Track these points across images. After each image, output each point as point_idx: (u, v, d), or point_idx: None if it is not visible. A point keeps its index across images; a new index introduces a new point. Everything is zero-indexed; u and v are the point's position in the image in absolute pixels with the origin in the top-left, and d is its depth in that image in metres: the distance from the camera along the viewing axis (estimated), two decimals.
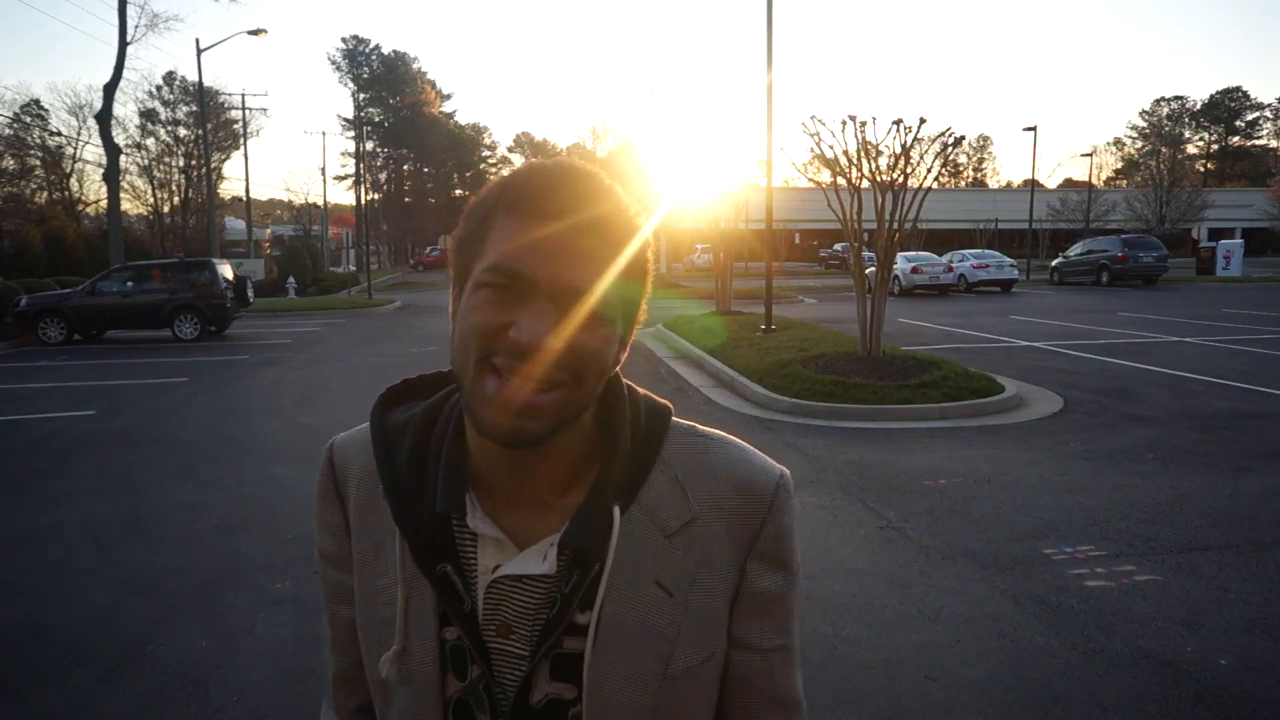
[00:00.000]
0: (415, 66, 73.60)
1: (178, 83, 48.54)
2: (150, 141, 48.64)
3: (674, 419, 0.89)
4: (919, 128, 9.83)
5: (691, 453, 0.87)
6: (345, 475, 0.90)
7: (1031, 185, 40.26)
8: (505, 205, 0.77)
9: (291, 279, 31.36)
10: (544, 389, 0.74)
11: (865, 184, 10.25)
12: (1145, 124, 78.63)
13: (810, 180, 13.39)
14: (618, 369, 0.83)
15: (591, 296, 0.75)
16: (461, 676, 0.84)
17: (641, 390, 0.90)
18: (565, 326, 0.74)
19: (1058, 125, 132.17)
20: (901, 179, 9.96)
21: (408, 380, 0.94)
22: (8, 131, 40.53)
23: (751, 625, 0.86)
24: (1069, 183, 68.61)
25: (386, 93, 70.86)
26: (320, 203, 62.82)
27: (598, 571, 0.80)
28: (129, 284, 17.63)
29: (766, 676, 0.87)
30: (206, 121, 37.52)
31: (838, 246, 42.68)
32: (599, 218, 0.76)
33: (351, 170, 64.42)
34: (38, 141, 43.20)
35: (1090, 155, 53.70)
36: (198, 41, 32.06)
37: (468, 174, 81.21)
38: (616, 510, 0.81)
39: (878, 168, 10.10)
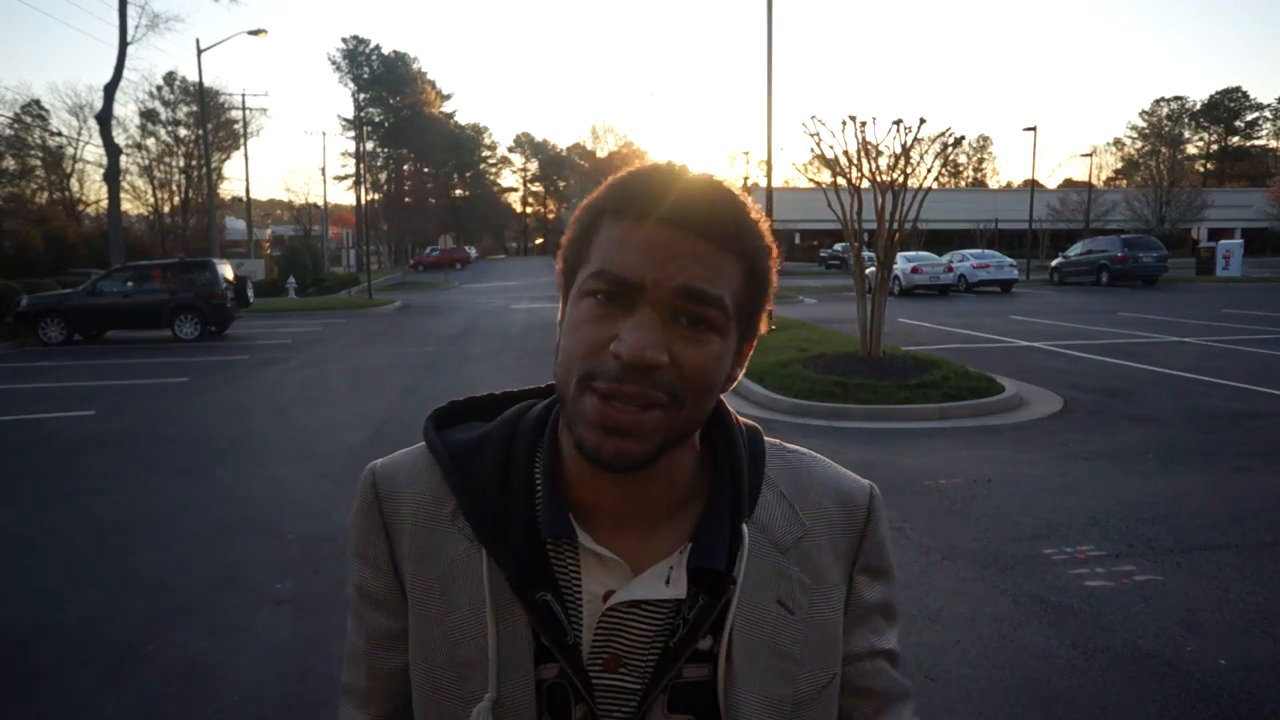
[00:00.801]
0: (415, 66, 73.64)
1: (178, 83, 48.53)
2: (150, 142, 48.64)
3: (765, 437, 0.88)
4: (919, 128, 9.83)
5: (791, 469, 0.86)
6: (395, 503, 0.81)
7: (1031, 185, 40.27)
8: (613, 207, 0.73)
9: (292, 279, 31.36)
10: (645, 407, 0.69)
11: (865, 184, 10.25)
12: (1145, 124, 78.63)
13: (810, 180, 13.39)
14: (731, 386, 0.78)
15: (702, 304, 0.70)
16: (561, 718, 0.76)
17: (729, 406, 0.86)
18: (672, 338, 0.69)
19: (1058, 125, 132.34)
20: (901, 179, 9.95)
21: (456, 402, 0.89)
22: (8, 132, 40.54)
23: (863, 635, 0.84)
24: (1069, 183, 68.60)
25: (386, 93, 70.87)
26: (320, 203, 62.87)
27: (726, 593, 0.76)
28: (129, 284, 17.64)
29: (885, 678, 0.85)
30: (207, 121, 37.54)
31: (838, 246, 42.66)
32: (713, 220, 0.71)
33: (351, 170, 64.43)
34: (38, 142, 43.20)
35: (1090, 155, 53.81)
36: (198, 41, 32.11)
37: (468, 174, 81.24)
38: (746, 527, 0.78)
39: (878, 168, 10.10)
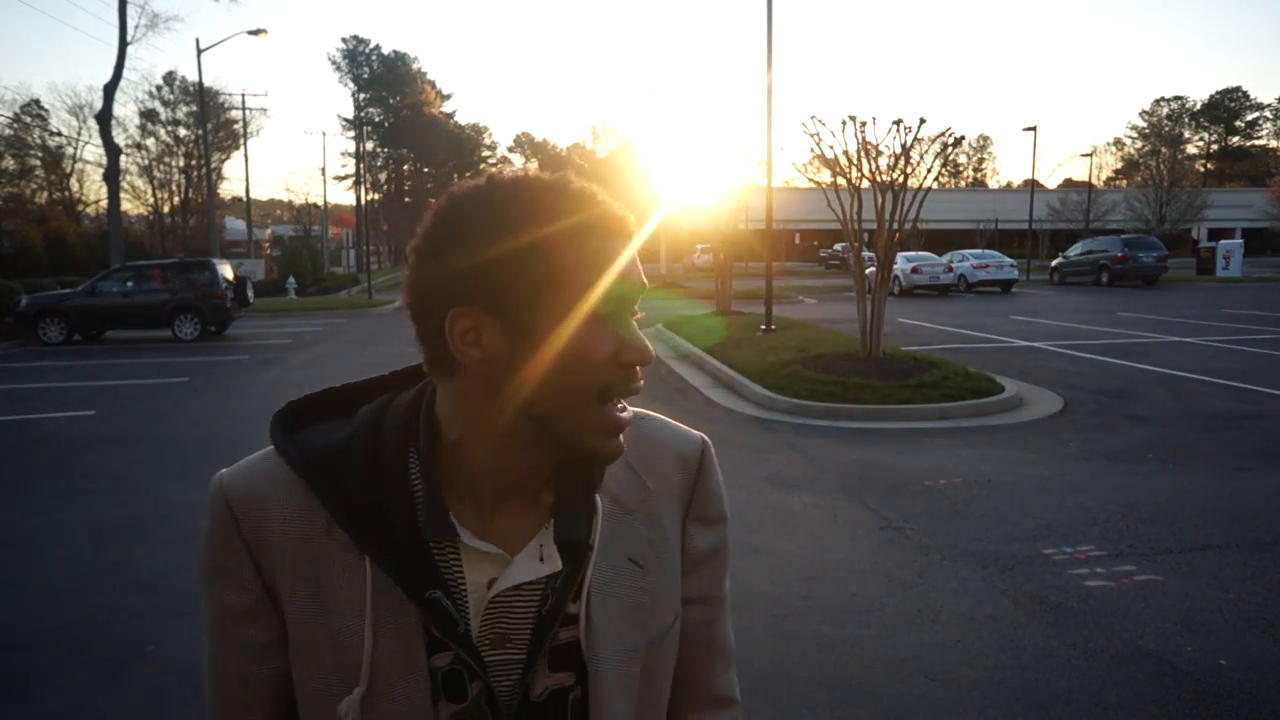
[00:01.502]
0: (415, 66, 73.64)
1: (178, 83, 48.59)
2: (150, 141, 48.72)
3: None
4: (919, 128, 9.84)
5: (631, 433, 0.88)
6: (257, 518, 0.80)
7: (1031, 185, 40.29)
8: (572, 228, 0.74)
9: (292, 279, 31.39)
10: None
11: (865, 184, 10.25)
12: (1145, 124, 78.65)
13: (810, 180, 13.40)
14: None
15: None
16: (459, 698, 0.80)
17: None
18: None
19: (1058, 125, 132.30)
20: (901, 179, 9.96)
21: (296, 402, 0.88)
22: (8, 131, 40.58)
23: (694, 581, 0.92)
24: (1069, 183, 68.60)
25: (386, 93, 70.89)
26: (320, 203, 62.89)
27: (586, 560, 0.83)
28: (129, 284, 17.65)
29: (708, 626, 0.94)
30: (206, 121, 37.55)
31: (838, 246, 42.67)
32: (634, 223, 0.80)
33: (351, 170, 64.46)
34: (38, 141, 43.24)
35: (1090, 155, 53.79)
36: (198, 41, 32.10)
37: (468, 174, 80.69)
38: (599, 499, 0.84)
39: (878, 168, 10.10)
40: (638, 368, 0.77)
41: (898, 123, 9.81)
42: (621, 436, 0.78)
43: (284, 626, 0.81)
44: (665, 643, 0.88)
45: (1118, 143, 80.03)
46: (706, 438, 0.96)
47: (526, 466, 0.81)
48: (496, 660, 0.80)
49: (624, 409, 0.78)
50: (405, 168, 73.83)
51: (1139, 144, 76.73)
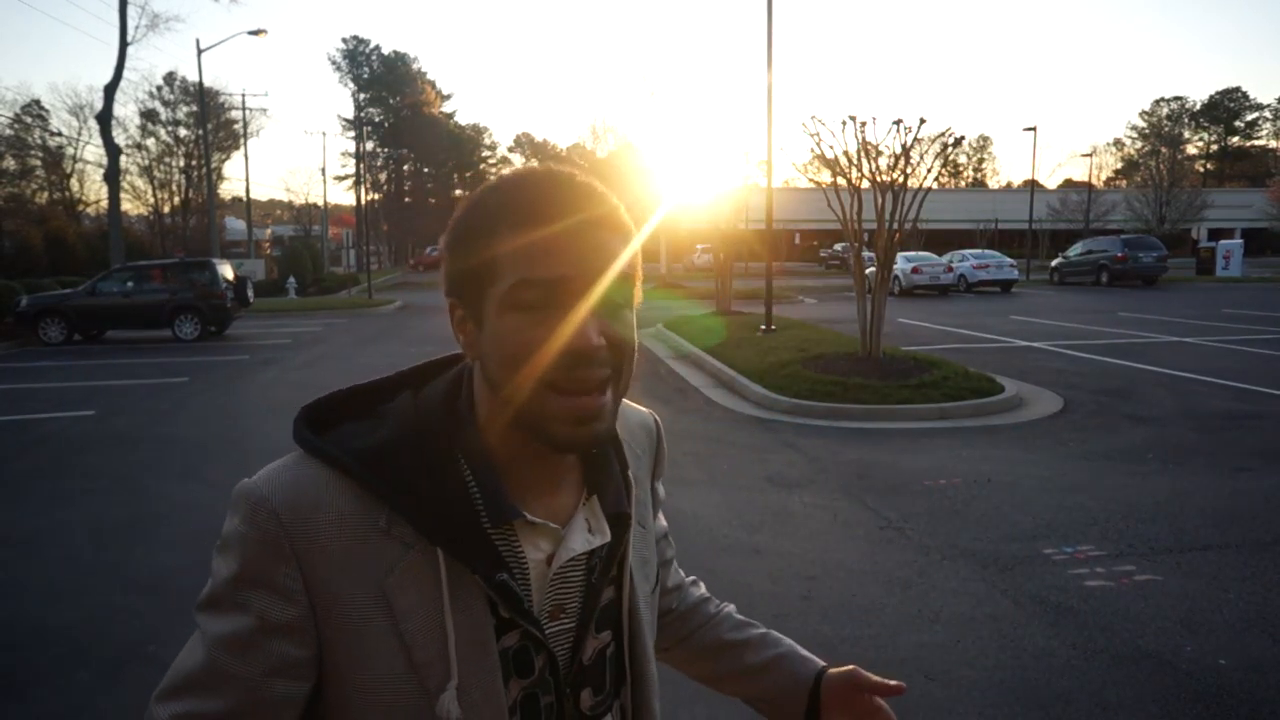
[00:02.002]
0: (415, 66, 73.57)
1: (178, 83, 48.55)
2: (150, 142, 48.67)
3: None
4: (919, 128, 9.84)
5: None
6: (307, 526, 0.77)
7: (1031, 185, 40.28)
8: (510, 220, 0.76)
9: (292, 279, 31.37)
10: (601, 389, 0.78)
11: (865, 184, 10.25)
12: (1145, 124, 78.62)
13: (810, 180, 13.40)
14: None
15: (616, 285, 0.78)
16: (527, 674, 0.83)
17: None
18: (604, 323, 0.77)
19: (1058, 125, 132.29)
20: (901, 179, 9.96)
21: (316, 406, 0.88)
22: (9, 132, 40.56)
23: (660, 526, 1.09)
24: (1069, 183, 68.59)
25: (386, 93, 70.83)
26: (320, 203, 62.88)
27: (627, 529, 0.91)
28: (129, 284, 17.64)
29: (668, 549, 1.14)
30: (207, 122, 37.54)
31: (838, 247, 42.66)
32: (601, 211, 0.78)
33: (351, 170, 64.44)
34: (38, 142, 43.21)
35: (1090, 155, 53.95)
36: (198, 42, 32.12)
37: (468, 174, 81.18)
38: (630, 474, 0.93)
39: (878, 168, 10.11)
40: (580, 356, 0.75)
41: (898, 123, 9.82)
42: (593, 424, 0.78)
43: (319, 644, 0.78)
44: (658, 589, 1.01)
45: (1118, 143, 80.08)
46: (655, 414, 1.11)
47: (534, 449, 0.82)
48: (555, 631, 0.85)
49: (596, 395, 0.77)
50: (405, 168, 73.76)
51: (1139, 144, 76.72)
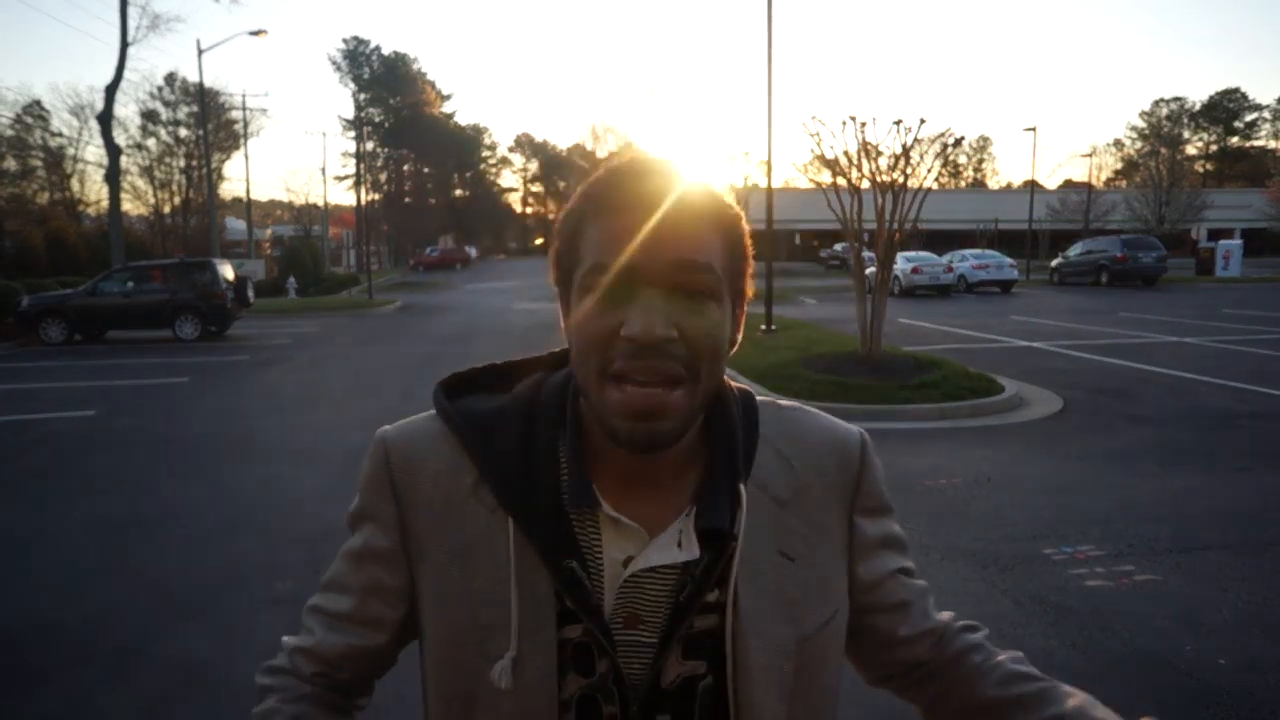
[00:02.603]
0: (415, 67, 73.67)
1: (178, 83, 48.52)
2: (151, 142, 48.63)
3: (759, 397, 0.94)
4: (919, 128, 9.84)
5: (784, 426, 0.91)
6: (411, 471, 0.84)
7: (1031, 186, 40.30)
8: (592, 208, 0.77)
9: (292, 279, 31.38)
10: (668, 386, 0.74)
11: (865, 184, 10.25)
12: (1144, 124, 78.63)
13: (810, 180, 13.40)
14: (733, 351, 0.83)
15: (695, 273, 0.75)
16: (587, 673, 0.81)
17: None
18: (675, 312, 0.74)
19: (1058, 125, 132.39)
20: (901, 179, 9.96)
21: (460, 373, 0.92)
22: (9, 132, 40.52)
23: (876, 564, 0.92)
24: (1069, 183, 68.56)
25: (386, 93, 70.89)
26: (320, 203, 62.85)
27: (729, 550, 0.82)
28: (130, 284, 17.64)
29: (906, 589, 0.94)
30: (207, 122, 37.53)
31: (838, 247, 42.65)
32: (685, 197, 0.76)
33: (352, 170, 64.44)
34: (39, 142, 43.18)
35: (1090, 156, 54.09)
36: (198, 42, 32.17)
37: (468, 174, 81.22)
38: (743, 487, 0.84)
39: (878, 168, 10.10)
40: (641, 344, 0.73)
41: (898, 123, 9.81)
42: (655, 421, 0.74)
43: (411, 579, 0.85)
44: (821, 640, 0.86)
45: (1117, 143, 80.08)
46: (864, 431, 0.96)
47: (638, 458, 0.80)
48: (627, 640, 0.81)
49: (661, 389, 0.74)
50: (405, 168, 73.78)
51: (1138, 144, 76.72)
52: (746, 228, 0.82)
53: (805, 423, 0.93)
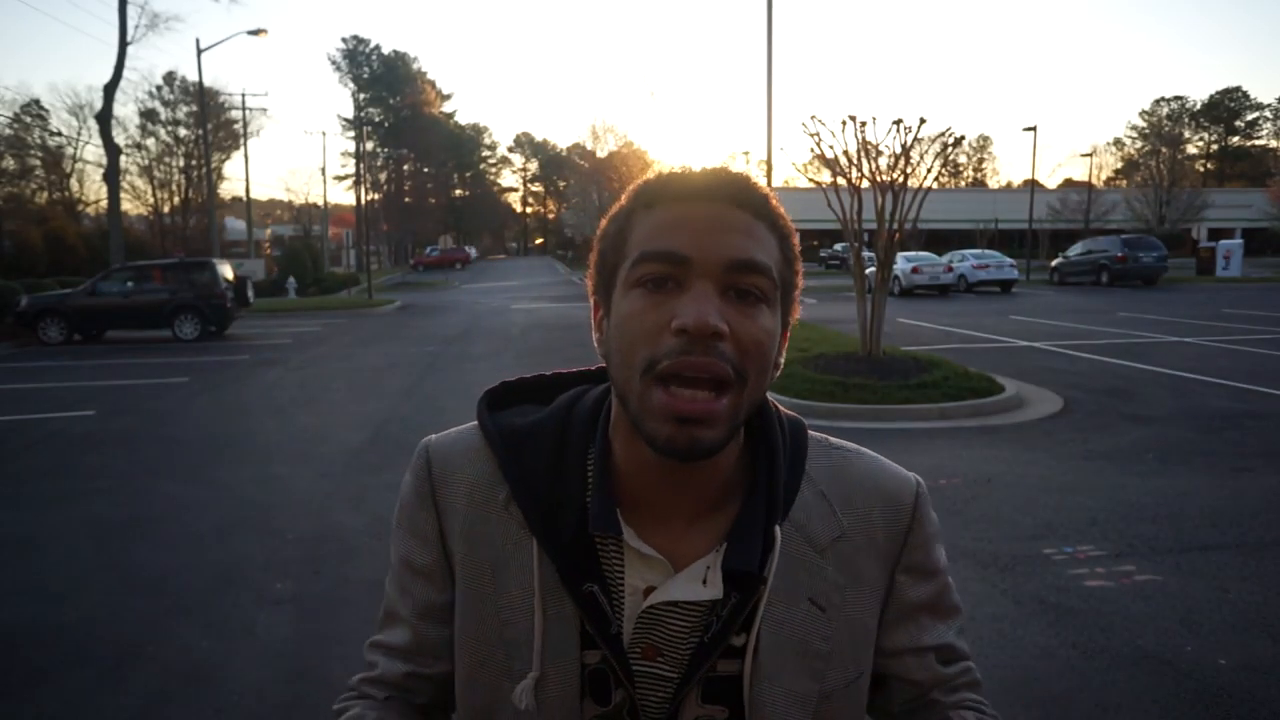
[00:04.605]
0: (415, 66, 73.62)
1: (178, 83, 48.53)
2: (150, 141, 48.66)
3: (809, 431, 0.88)
4: (919, 128, 9.83)
5: (834, 467, 0.86)
6: (449, 484, 0.83)
7: (1031, 185, 40.23)
8: (644, 201, 0.75)
9: (292, 279, 31.35)
10: (714, 390, 0.70)
11: (865, 184, 10.25)
12: (1145, 124, 78.62)
13: (810, 180, 13.38)
14: (778, 373, 0.77)
15: (751, 273, 0.71)
16: (602, 701, 0.79)
17: (772, 399, 0.86)
18: (727, 308, 0.70)
19: (1058, 125, 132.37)
20: (901, 179, 9.95)
21: (508, 382, 0.90)
22: (8, 131, 40.55)
23: (907, 631, 0.86)
24: (1069, 183, 68.62)
25: (386, 93, 70.84)
26: (320, 203, 62.80)
27: (757, 594, 0.78)
28: (129, 284, 17.64)
29: (927, 671, 0.87)
30: (206, 121, 37.51)
31: (838, 247, 42.66)
32: (745, 191, 0.73)
33: (351, 170, 64.42)
34: (38, 141, 43.22)
35: (1090, 155, 53.74)
36: (198, 42, 32.06)
37: (468, 174, 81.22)
38: (778, 530, 0.78)
39: (878, 168, 10.10)
40: (692, 334, 0.68)
41: (898, 123, 9.80)
42: (697, 428, 0.70)
43: (454, 592, 0.83)
44: (843, 700, 0.81)
45: (1118, 143, 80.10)
46: (921, 480, 0.90)
47: (655, 466, 0.76)
48: (645, 672, 0.79)
49: (706, 394, 0.69)
50: (405, 168, 73.75)
51: (1139, 144, 76.68)
52: (796, 240, 0.79)
53: (856, 465, 0.87)
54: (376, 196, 63.97)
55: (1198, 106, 78.31)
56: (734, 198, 0.72)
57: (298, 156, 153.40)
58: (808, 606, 0.79)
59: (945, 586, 0.88)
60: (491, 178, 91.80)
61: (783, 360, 0.78)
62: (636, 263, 0.72)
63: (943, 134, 10.34)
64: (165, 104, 49.01)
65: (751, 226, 0.72)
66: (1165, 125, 76.76)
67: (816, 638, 0.79)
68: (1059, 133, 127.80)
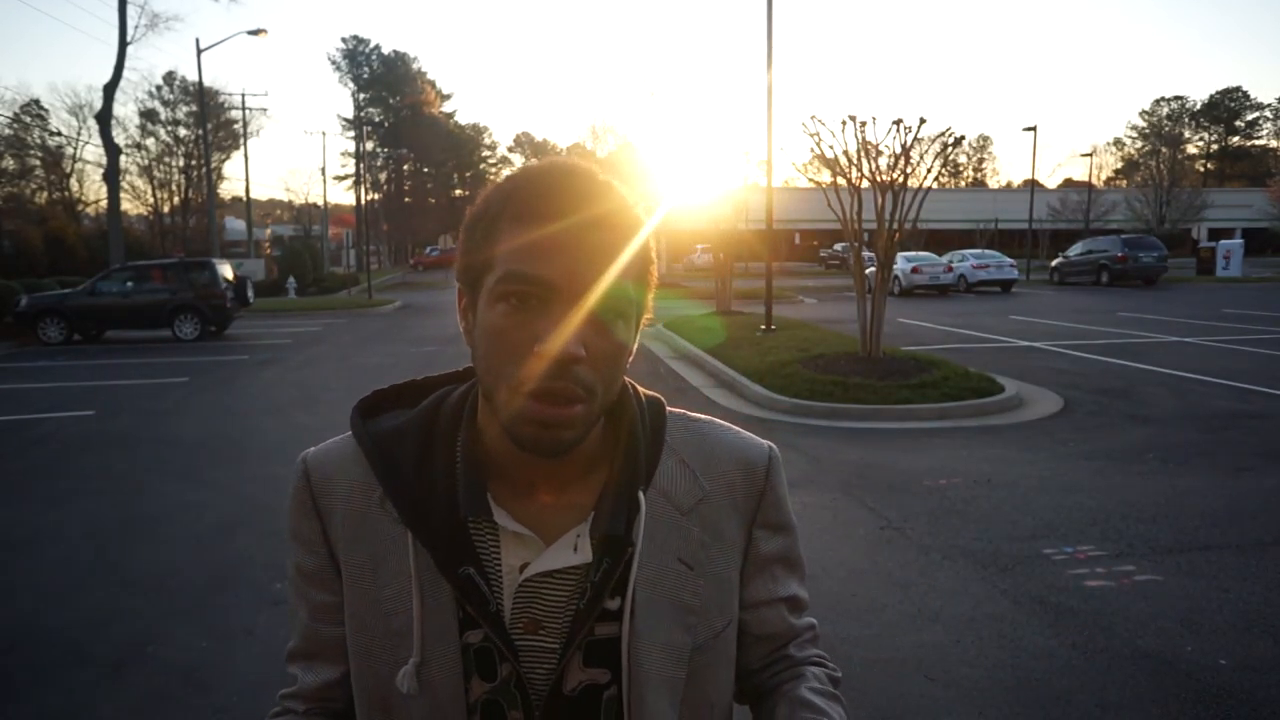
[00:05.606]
0: (415, 66, 73.58)
1: (178, 83, 48.55)
2: (150, 141, 48.67)
3: (668, 408, 0.95)
4: (919, 128, 9.83)
5: (692, 437, 0.93)
6: (327, 489, 0.88)
7: (1031, 185, 40.25)
8: (511, 212, 0.76)
9: (291, 279, 31.36)
10: (570, 402, 0.75)
11: (865, 184, 10.25)
12: (1145, 124, 78.64)
13: (810, 180, 13.39)
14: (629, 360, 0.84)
15: (611, 298, 0.75)
16: (489, 678, 0.83)
17: (631, 381, 0.91)
18: (587, 331, 0.74)
19: (1058, 125, 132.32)
20: (901, 179, 9.96)
21: (380, 390, 0.95)
22: (8, 131, 40.56)
23: (763, 583, 0.94)
24: (1069, 183, 68.62)
25: (386, 93, 70.82)
26: (320, 203, 62.80)
27: (626, 556, 0.83)
28: (129, 284, 17.64)
29: (782, 623, 0.95)
30: (206, 121, 37.51)
31: (838, 246, 42.67)
32: (606, 213, 0.76)
33: (351, 170, 64.41)
34: (38, 141, 43.22)
35: (1090, 155, 53.75)
36: (198, 41, 32.06)
37: (468, 174, 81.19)
38: (642, 496, 0.84)
39: (878, 168, 10.10)
40: (555, 361, 0.72)
41: (898, 123, 9.81)
42: (561, 430, 0.75)
43: (343, 592, 0.88)
44: (714, 649, 0.88)
45: (1118, 143, 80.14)
46: (774, 446, 0.97)
47: (538, 464, 0.82)
48: (528, 645, 0.83)
49: (566, 406, 0.75)
50: (405, 168, 73.74)
51: (1139, 144, 76.75)
52: (654, 252, 0.83)
53: (713, 435, 0.94)
54: (376, 196, 64.00)
55: (1198, 106, 78.29)
56: (600, 220, 0.75)
57: (298, 156, 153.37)
58: (677, 566, 0.85)
59: (794, 541, 0.97)
60: (492, 178, 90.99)
61: (634, 347, 0.82)
62: (504, 279, 0.75)
63: (943, 134, 10.36)
64: (165, 104, 49.05)
65: (615, 247, 0.75)
66: (1165, 125, 76.78)
67: (687, 593, 0.86)
68: (1059, 133, 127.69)
